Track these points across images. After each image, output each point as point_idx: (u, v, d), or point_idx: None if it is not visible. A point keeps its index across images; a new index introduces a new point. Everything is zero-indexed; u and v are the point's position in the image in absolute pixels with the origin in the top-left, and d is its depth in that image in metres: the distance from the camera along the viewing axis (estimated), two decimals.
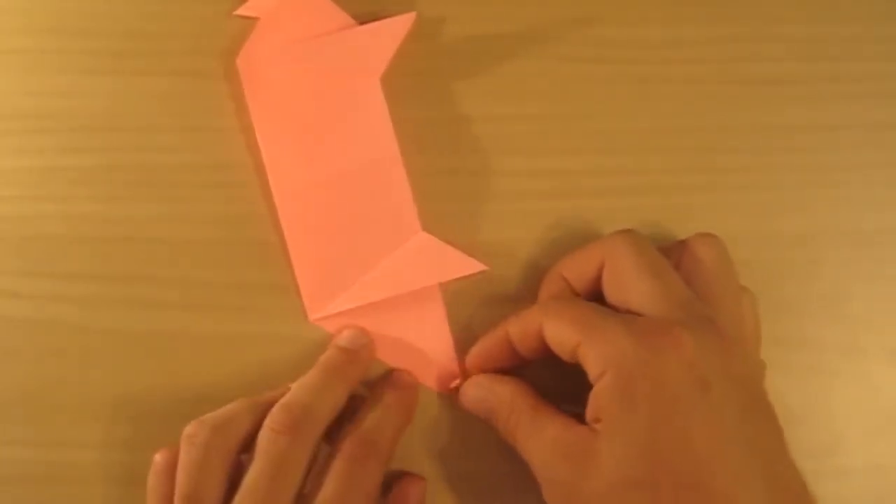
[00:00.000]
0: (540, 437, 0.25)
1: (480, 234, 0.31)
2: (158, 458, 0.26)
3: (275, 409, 0.26)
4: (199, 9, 0.32)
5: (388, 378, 0.29)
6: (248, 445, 0.26)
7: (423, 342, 0.30)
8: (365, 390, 0.29)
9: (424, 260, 0.29)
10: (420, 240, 0.30)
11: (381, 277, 0.29)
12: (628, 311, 0.25)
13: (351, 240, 0.30)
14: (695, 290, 0.25)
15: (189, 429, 0.26)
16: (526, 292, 0.30)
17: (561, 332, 0.25)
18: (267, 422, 0.25)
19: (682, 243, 0.27)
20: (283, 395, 0.27)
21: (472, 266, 0.29)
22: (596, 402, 0.23)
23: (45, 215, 0.30)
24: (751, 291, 0.28)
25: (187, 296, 0.30)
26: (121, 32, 0.32)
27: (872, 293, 0.31)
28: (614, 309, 0.25)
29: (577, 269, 0.27)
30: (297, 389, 0.27)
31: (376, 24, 0.31)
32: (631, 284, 0.25)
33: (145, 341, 0.30)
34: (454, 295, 0.30)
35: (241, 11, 0.31)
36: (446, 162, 0.31)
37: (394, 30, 0.31)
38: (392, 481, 0.28)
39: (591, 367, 0.23)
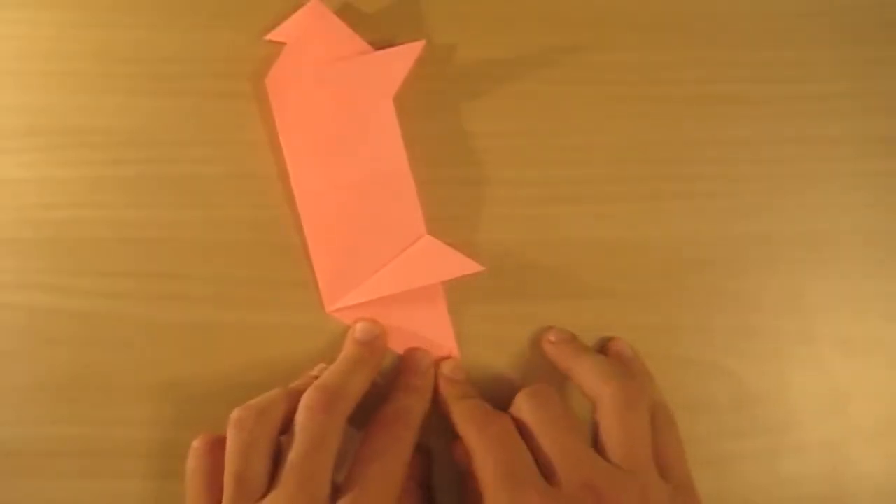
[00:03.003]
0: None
1: (477, 235, 0.32)
2: (197, 443, 0.27)
3: (310, 390, 0.26)
4: (229, 36, 0.33)
5: (408, 362, 0.30)
6: (285, 428, 0.26)
7: (427, 331, 0.31)
8: (381, 379, 0.30)
9: (428, 260, 0.31)
10: (425, 242, 0.31)
11: (390, 275, 0.31)
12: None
13: (364, 241, 0.31)
14: (613, 439, 0.26)
15: (236, 414, 0.26)
16: (514, 286, 0.31)
17: (477, 465, 0.26)
18: (303, 402, 0.26)
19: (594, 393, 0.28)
20: (308, 381, 0.28)
21: (470, 267, 0.30)
22: None
23: (92, 220, 0.32)
24: (668, 420, 0.28)
25: (219, 291, 0.31)
26: (159, 58, 0.33)
27: (824, 288, 0.31)
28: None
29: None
30: (327, 374, 0.27)
31: (389, 50, 0.32)
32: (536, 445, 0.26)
33: (182, 332, 0.31)
34: (453, 288, 0.31)
35: (271, 36, 0.33)
36: (448, 171, 0.32)
37: (405, 56, 0.32)
38: None
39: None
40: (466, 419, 0.27)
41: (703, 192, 0.32)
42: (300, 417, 0.26)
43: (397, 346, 0.31)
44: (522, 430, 0.27)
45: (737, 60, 0.33)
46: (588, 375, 0.28)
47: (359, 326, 0.30)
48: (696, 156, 0.33)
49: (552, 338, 0.30)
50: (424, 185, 0.32)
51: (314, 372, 0.29)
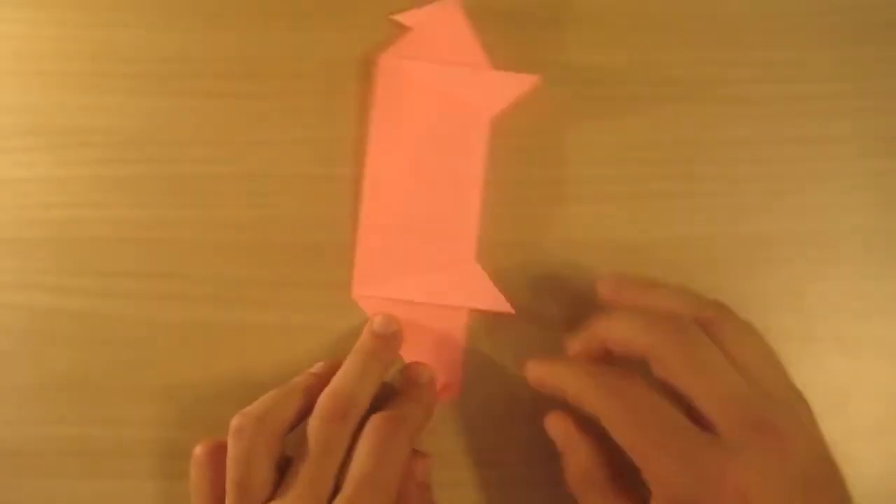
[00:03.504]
0: None
1: (486, 235, 0.32)
2: (198, 451, 0.26)
3: (323, 398, 0.26)
4: (229, 36, 0.33)
5: (409, 373, 0.30)
6: (286, 430, 0.26)
7: (437, 350, 0.31)
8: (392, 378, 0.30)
9: (467, 285, 0.31)
10: (471, 268, 0.31)
11: (427, 284, 0.31)
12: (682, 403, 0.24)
13: (413, 243, 0.31)
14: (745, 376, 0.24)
15: (235, 422, 0.26)
16: (515, 286, 0.31)
17: (626, 441, 0.24)
18: (317, 411, 0.26)
19: (719, 329, 0.25)
20: (308, 378, 0.28)
21: (502, 306, 0.30)
22: None
23: (92, 220, 0.32)
24: (764, 343, 0.26)
25: (219, 291, 0.31)
26: (159, 58, 0.33)
27: (825, 288, 0.31)
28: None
29: (618, 342, 0.26)
30: (340, 378, 0.27)
31: (504, 73, 0.32)
32: (684, 386, 0.24)
33: (182, 332, 0.31)
34: None
35: (397, 17, 0.33)
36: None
37: (516, 84, 0.32)
38: None
39: (654, 495, 0.23)
40: (581, 378, 0.25)
41: (703, 192, 0.32)
42: (313, 425, 0.26)
43: (407, 354, 0.31)
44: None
45: (737, 60, 0.33)
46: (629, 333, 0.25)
47: (378, 319, 0.30)
48: (696, 156, 0.33)
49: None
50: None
51: (314, 369, 0.29)
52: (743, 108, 0.33)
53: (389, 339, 0.29)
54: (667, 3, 0.34)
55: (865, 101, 0.33)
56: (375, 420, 0.26)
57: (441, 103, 0.32)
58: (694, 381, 0.24)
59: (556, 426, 0.27)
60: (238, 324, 0.31)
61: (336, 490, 0.25)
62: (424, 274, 0.31)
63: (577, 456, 0.26)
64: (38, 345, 0.31)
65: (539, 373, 0.27)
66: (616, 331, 0.26)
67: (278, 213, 0.32)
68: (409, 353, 0.31)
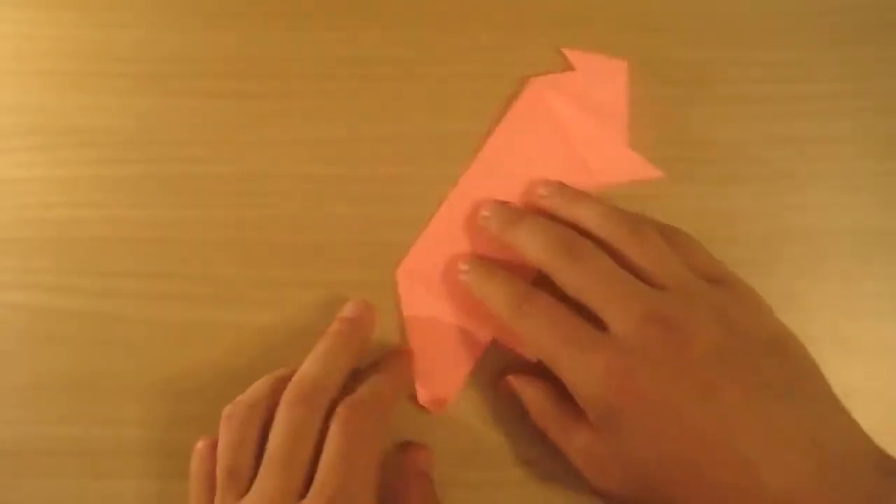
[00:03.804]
0: (570, 444, 0.26)
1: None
2: (200, 444, 0.27)
3: (289, 385, 0.26)
4: (229, 36, 0.33)
5: (388, 356, 0.30)
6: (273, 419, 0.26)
7: (446, 363, 0.30)
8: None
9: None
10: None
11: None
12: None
13: (478, 251, 0.31)
14: (638, 271, 0.26)
15: (227, 410, 0.26)
16: None
17: (539, 350, 0.26)
18: (283, 397, 0.26)
19: (595, 234, 0.27)
20: (297, 367, 0.28)
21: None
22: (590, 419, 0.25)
23: (92, 220, 0.32)
24: (681, 233, 0.28)
25: (219, 291, 0.31)
26: (159, 58, 0.33)
27: (824, 288, 0.31)
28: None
29: (520, 251, 0.28)
30: (306, 363, 0.27)
31: (633, 155, 0.32)
32: (580, 294, 0.26)
33: (182, 332, 0.31)
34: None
35: (566, 52, 0.33)
36: (448, 171, 0.32)
37: (639, 169, 0.32)
38: (399, 451, 0.29)
39: (576, 398, 0.25)
40: (504, 306, 0.27)
41: (703, 192, 0.32)
42: (279, 412, 0.26)
43: (417, 358, 0.30)
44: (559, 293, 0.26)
45: (737, 60, 0.33)
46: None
47: (348, 305, 0.30)
48: (695, 156, 0.33)
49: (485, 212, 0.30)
50: (424, 185, 0.32)
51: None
52: (743, 108, 0.33)
53: (357, 323, 0.29)
54: (667, 3, 0.34)
55: (865, 101, 0.33)
56: (340, 408, 0.26)
57: (564, 147, 0.32)
58: (586, 288, 0.25)
59: (511, 380, 0.29)
60: (238, 324, 0.31)
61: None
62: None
63: (532, 394, 0.28)
64: (38, 345, 0.31)
65: (468, 279, 0.29)
66: (519, 241, 0.28)
67: (278, 213, 0.32)
68: (419, 358, 0.30)
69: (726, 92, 0.33)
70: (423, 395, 0.30)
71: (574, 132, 0.32)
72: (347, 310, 0.30)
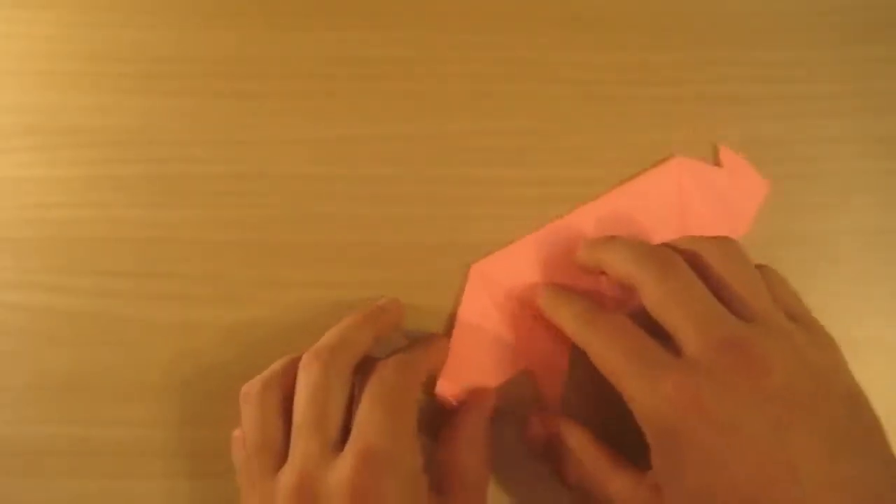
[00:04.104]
0: (610, 491, 0.25)
1: (478, 235, 0.32)
2: (236, 433, 0.27)
3: (305, 353, 0.27)
4: (229, 36, 0.33)
5: (423, 335, 0.30)
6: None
7: (545, 359, 0.30)
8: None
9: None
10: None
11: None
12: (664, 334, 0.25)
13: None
14: (727, 298, 0.25)
15: (243, 389, 0.27)
16: None
17: (604, 366, 0.25)
18: (300, 364, 0.26)
19: (691, 252, 0.26)
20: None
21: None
22: (651, 454, 0.23)
23: (91, 219, 0.32)
24: (770, 269, 0.27)
25: (219, 291, 0.31)
26: (158, 58, 0.33)
27: (824, 288, 0.31)
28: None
29: (609, 266, 0.27)
30: (325, 336, 0.27)
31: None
32: (661, 313, 0.25)
33: (182, 332, 0.31)
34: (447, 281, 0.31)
35: (723, 147, 0.32)
36: (448, 171, 0.32)
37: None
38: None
39: (636, 419, 0.24)
40: (575, 320, 0.27)
41: None
42: (298, 378, 0.26)
43: (518, 359, 0.30)
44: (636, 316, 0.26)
45: (737, 60, 0.33)
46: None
47: (383, 299, 0.30)
48: (695, 156, 0.33)
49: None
50: (424, 185, 0.32)
51: None
52: (743, 107, 0.33)
53: (384, 308, 0.29)
54: (667, 3, 0.34)
55: (865, 101, 0.33)
56: (371, 368, 0.26)
57: (679, 224, 0.32)
58: (668, 307, 0.24)
59: (535, 431, 0.28)
60: (237, 323, 0.31)
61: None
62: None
63: (578, 436, 0.27)
64: (37, 345, 0.31)
65: (541, 302, 0.29)
66: (610, 255, 0.27)
67: (278, 213, 0.32)
68: (454, 354, 0.30)
69: (726, 92, 0.33)
70: (442, 386, 0.30)
71: (693, 218, 0.32)
72: (381, 300, 0.30)
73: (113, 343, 0.31)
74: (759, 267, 0.27)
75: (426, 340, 0.29)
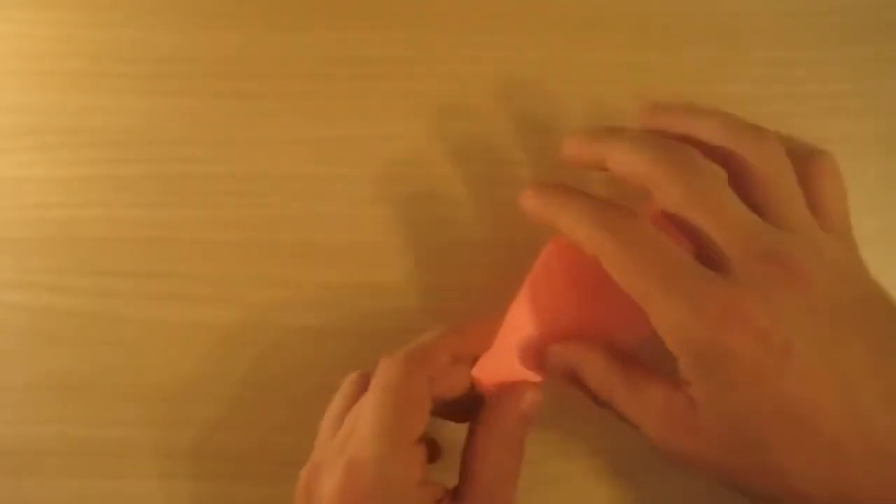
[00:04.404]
0: (641, 404, 0.23)
1: (477, 234, 0.32)
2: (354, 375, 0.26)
3: None
4: (229, 36, 0.33)
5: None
6: None
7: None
8: None
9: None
10: None
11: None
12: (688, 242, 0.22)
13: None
14: (761, 203, 0.23)
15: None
16: (514, 287, 0.29)
17: (626, 282, 0.22)
18: None
19: (721, 148, 0.24)
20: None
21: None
22: (682, 374, 0.22)
23: (92, 219, 0.32)
24: (827, 154, 0.25)
25: (219, 291, 0.31)
26: (159, 58, 0.33)
27: None
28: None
29: (618, 165, 0.24)
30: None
31: None
32: (688, 218, 0.22)
33: (180, 331, 0.31)
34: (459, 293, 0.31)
35: None
36: (447, 170, 0.32)
37: None
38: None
39: (665, 341, 0.22)
40: (589, 221, 0.23)
41: None
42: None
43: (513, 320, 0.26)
44: (662, 222, 0.23)
45: (737, 60, 0.33)
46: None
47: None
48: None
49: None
50: (424, 184, 0.32)
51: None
52: (743, 108, 0.32)
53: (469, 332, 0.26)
54: (667, 3, 0.34)
55: (865, 101, 0.33)
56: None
57: None
58: (693, 211, 0.22)
59: (563, 349, 0.25)
60: (237, 323, 0.31)
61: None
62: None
63: (593, 358, 0.24)
64: (37, 344, 0.31)
65: (534, 203, 0.25)
66: (618, 153, 0.24)
67: (278, 213, 0.32)
68: (503, 337, 0.26)
69: (726, 92, 0.33)
70: (480, 369, 0.26)
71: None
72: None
73: (113, 343, 0.31)
74: (804, 154, 0.24)
75: (441, 328, 0.26)
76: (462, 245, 0.32)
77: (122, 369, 0.31)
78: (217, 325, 0.31)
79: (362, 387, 0.25)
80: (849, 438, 0.20)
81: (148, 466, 0.30)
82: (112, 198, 0.32)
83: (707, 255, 0.22)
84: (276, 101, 0.33)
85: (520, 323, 0.26)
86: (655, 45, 0.33)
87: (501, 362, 0.26)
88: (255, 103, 0.33)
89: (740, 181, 0.23)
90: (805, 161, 0.24)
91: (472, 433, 0.25)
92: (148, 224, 0.32)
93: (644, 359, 0.24)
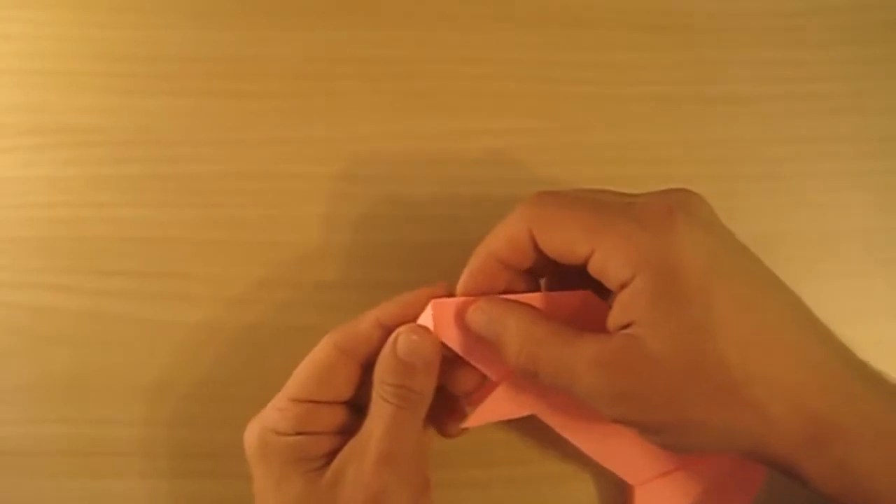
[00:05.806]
0: (577, 359, 0.21)
1: (477, 234, 0.30)
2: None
3: None
4: (229, 36, 0.33)
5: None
6: None
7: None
8: None
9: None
10: None
11: None
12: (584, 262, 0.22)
13: None
14: None
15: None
16: None
17: (564, 242, 0.22)
18: None
19: None
20: None
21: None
22: (628, 307, 0.21)
23: (92, 219, 0.32)
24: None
25: (219, 291, 0.31)
26: (159, 58, 0.33)
27: (824, 288, 0.31)
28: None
29: (507, 248, 0.24)
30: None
31: None
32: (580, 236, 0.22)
33: (182, 332, 0.31)
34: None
35: None
36: (447, 171, 0.32)
37: None
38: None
39: (615, 275, 0.21)
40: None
41: (703, 191, 0.32)
42: None
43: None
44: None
45: (737, 60, 0.34)
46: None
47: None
48: (696, 156, 0.33)
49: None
50: (424, 185, 0.32)
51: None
52: (743, 108, 0.33)
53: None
54: (667, 3, 0.34)
55: (865, 101, 0.33)
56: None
57: None
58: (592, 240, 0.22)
59: (482, 310, 0.24)
60: (237, 324, 0.31)
61: None
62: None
63: (517, 317, 0.23)
64: (37, 344, 0.31)
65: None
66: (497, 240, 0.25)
67: (278, 213, 0.32)
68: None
69: (726, 92, 0.33)
70: (471, 413, 0.26)
71: None
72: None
73: (114, 343, 0.31)
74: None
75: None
76: (462, 245, 0.31)
77: (122, 369, 0.31)
78: (217, 326, 0.31)
79: None
80: (804, 339, 0.22)
81: (148, 466, 0.30)
82: (112, 198, 0.32)
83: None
84: (276, 101, 0.33)
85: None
86: (656, 45, 0.34)
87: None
88: (255, 103, 0.33)
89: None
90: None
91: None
92: (148, 224, 0.32)
93: None
